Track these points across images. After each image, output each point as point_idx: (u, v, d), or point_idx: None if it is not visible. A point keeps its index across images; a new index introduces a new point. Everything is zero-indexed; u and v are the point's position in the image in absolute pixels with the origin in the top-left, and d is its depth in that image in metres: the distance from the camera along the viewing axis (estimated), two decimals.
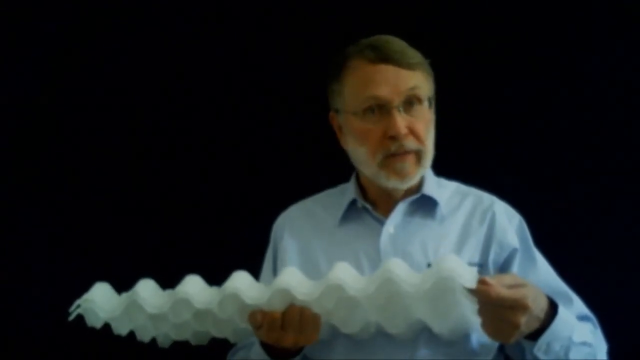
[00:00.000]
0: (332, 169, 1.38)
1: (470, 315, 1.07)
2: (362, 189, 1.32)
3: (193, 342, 1.23)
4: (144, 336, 1.24)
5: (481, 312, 1.03)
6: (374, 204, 1.29)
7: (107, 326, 1.23)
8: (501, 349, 1.23)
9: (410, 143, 1.20)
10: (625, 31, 1.73)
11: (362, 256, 1.23)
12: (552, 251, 1.28)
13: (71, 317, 1.19)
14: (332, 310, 1.10)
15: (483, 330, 1.05)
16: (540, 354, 1.08)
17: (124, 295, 1.19)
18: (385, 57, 1.20)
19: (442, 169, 1.35)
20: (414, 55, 1.23)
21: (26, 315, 1.86)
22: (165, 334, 1.22)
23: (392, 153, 1.20)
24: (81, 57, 1.90)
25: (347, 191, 1.33)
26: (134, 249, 1.85)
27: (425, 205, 1.27)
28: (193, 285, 1.15)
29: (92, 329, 1.20)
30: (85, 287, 1.22)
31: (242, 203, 1.85)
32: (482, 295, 1.00)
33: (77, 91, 1.91)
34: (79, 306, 1.19)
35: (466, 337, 1.16)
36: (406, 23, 1.29)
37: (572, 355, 1.10)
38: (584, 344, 1.11)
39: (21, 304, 1.87)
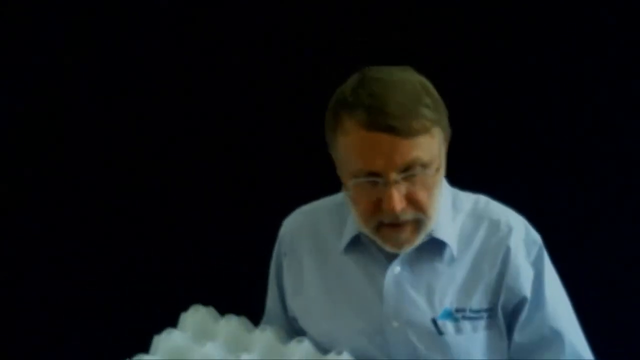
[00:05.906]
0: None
1: None
2: None
3: None
4: None
5: None
6: None
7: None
8: None
9: (408, 215, 1.07)
10: (626, 31, 1.73)
11: (363, 297, 1.18)
12: (552, 252, 1.28)
13: None
14: None
15: None
16: None
17: None
18: (381, 124, 1.02)
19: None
20: (418, 116, 1.04)
21: (26, 315, 1.87)
22: None
23: (387, 223, 1.09)
24: (81, 57, 1.90)
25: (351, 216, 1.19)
26: (135, 251, 1.85)
27: (435, 244, 1.17)
28: None
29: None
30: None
31: (245, 204, 1.85)
32: None
33: (77, 91, 1.91)
34: None
35: None
36: (406, 25, 1.28)
37: None
38: None
39: (21, 303, 1.87)
